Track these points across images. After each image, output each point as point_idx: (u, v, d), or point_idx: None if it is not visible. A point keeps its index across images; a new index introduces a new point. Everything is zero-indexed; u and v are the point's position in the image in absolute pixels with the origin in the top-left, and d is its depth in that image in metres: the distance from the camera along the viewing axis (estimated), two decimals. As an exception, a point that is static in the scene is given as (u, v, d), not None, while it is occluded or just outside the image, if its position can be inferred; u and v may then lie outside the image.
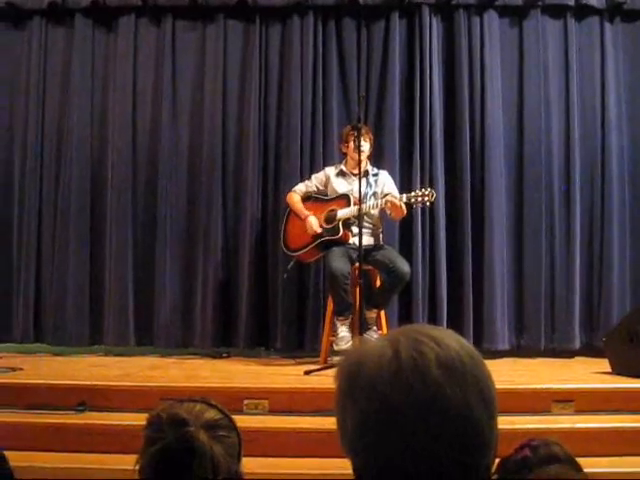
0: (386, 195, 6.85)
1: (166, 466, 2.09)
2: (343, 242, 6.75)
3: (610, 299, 7.65)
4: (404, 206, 6.60)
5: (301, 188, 7.21)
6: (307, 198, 7.14)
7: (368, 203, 6.73)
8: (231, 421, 2.22)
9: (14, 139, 8.00)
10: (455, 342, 1.36)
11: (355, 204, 6.44)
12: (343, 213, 6.77)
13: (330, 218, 6.84)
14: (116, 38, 8.04)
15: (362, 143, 6.62)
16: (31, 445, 4.87)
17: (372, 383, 1.32)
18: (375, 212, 6.86)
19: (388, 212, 6.83)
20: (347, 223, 6.77)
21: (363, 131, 6.62)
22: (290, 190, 7.26)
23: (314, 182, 7.19)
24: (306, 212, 6.99)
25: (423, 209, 7.23)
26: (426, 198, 6.55)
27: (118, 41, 8.03)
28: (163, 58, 7.94)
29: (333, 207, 6.87)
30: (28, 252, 7.85)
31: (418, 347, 1.32)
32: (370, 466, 1.33)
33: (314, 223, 6.88)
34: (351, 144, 6.85)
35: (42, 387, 5.55)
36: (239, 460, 2.21)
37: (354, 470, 1.37)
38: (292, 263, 7.15)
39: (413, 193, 6.68)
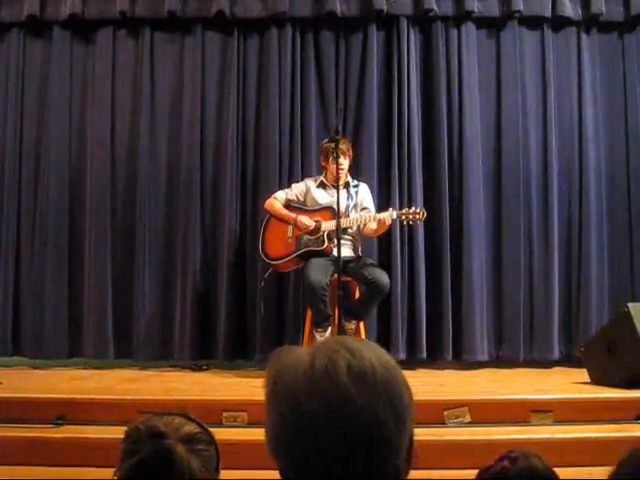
0: (363, 209, 6.89)
1: (143, 478, 2.08)
2: (326, 254, 6.75)
3: (588, 309, 7.68)
4: (391, 224, 6.65)
5: (281, 195, 7.18)
6: (287, 206, 7.12)
7: (351, 215, 6.75)
8: (209, 435, 2.22)
9: (-8, 151, 7.98)
10: (371, 353, 1.42)
11: (341, 217, 6.42)
12: (328, 225, 6.76)
13: (314, 229, 6.83)
14: (94, 50, 8.03)
15: (342, 160, 6.63)
16: (9, 459, 4.85)
17: (289, 388, 1.42)
18: (355, 225, 6.87)
19: (361, 227, 6.84)
20: (331, 236, 6.76)
21: (343, 147, 6.63)
22: (269, 196, 7.25)
23: (294, 191, 7.17)
24: (293, 215, 6.98)
25: (405, 226, 7.23)
26: (417, 216, 6.58)
27: (96, 53, 8.01)
28: (141, 70, 7.94)
29: (317, 218, 6.86)
30: (6, 264, 7.81)
31: (332, 356, 1.39)
32: (289, 468, 1.43)
33: (307, 219, 6.87)
34: (331, 159, 6.85)
35: (20, 401, 5.52)
36: (217, 475, 2.20)
37: (279, 471, 1.47)
38: (270, 271, 7.14)
39: (404, 210, 6.70)
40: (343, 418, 1.36)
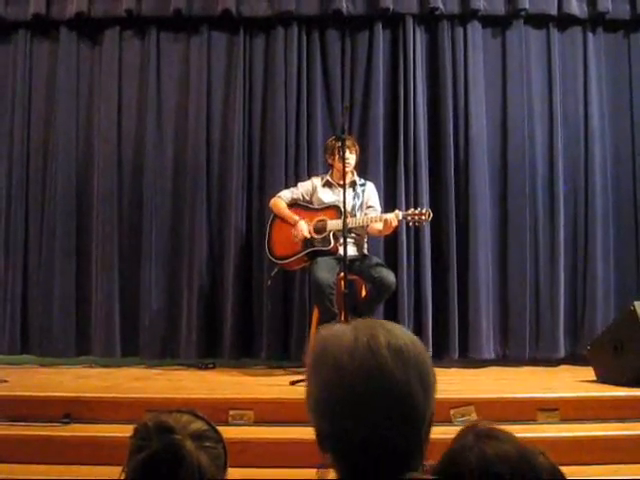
0: (368, 207, 6.89)
1: (152, 474, 2.08)
2: (332, 253, 6.75)
3: (594, 307, 7.68)
4: (398, 224, 6.64)
5: (286, 194, 7.19)
6: (292, 205, 7.13)
7: (357, 214, 6.75)
8: (217, 433, 2.22)
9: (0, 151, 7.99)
10: (405, 334, 1.63)
11: (347, 216, 6.41)
12: (334, 224, 6.76)
13: (320, 228, 6.84)
14: (101, 50, 8.04)
15: (347, 155, 6.62)
16: (16, 457, 4.86)
17: (334, 357, 1.58)
18: (361, 225, 6.87)
19: (365, 227, 6.84)
20: (337, 235, 6.76)
21: (349, 143, 6.63)
22: (274, 195, 7.26)
23: (300, 190, 7.18)
24: (295, 217, 6.98)
25: (410, 227, 7.21)
26: (423, 217, 6.56)
27: (103, 53, 8.03)
28: (148, 69, 7.95)
29: (322, 217, 6.87)
30: (15, 263, 7.84)
31: (373, 332, 1.59)
32: (327, 430, 1.60)
33: (305, 228, 6.88)
34: (337, 155, 6.86)
35: (27, 399, 5.53)
36: (224, 472, 2.21)
37: (316, 435, 1.65)
38: (276, 270, 7.14)
39: (410, 211, 6.68)
40: (381, 386, 1.53)
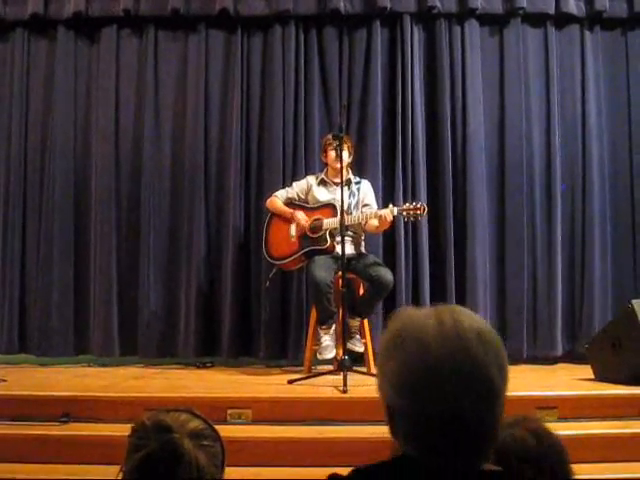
0: (365, 205, 6.87)
1: (150, 472, 2.09)
2: (329, 252, 6.76)
3: (592, 305, 7.69)
4: (393, 220, 6.62)
5: (282, 193, 7.19)
6: (288, 204, 7.12)
7: (353, 212, 6.75)
8: (215, 432, 2.23)
9: (-3, 150, 8.00)
10: (482, 319, 1.68)
11: (343, 214, 6.40)
12: (329, 223, 6.75)
13: (316, 227, 6.84)
14: (98, 49, 8.04)
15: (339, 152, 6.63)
16: (15, 456, 4.86)
17: (419, 338, 1.61)
18: (357, 222, 6.87)
19: (363, 224, 6.83)
20: (333, 233, 6.76)
21: (343, 140, 6.61)
22: (270, 195, 7.26)
23: (295, 189, 7.18)
24: (290, 209, 6.99)
25: (407, 222, 7.21)
26: (418, 212, 6.53)
27: (100, 52, 8.03)
28: (145, 68, 7.95)
29: (318, 216, 6.87)
30: (12, 263, 7.84)
31: (457, 316, 1.64)
32: (405, 409, 1.62)
33: (302, 217, 6.88)
34: (330, 153, 6.88)
35: (25, 398, 5.53)
36: (222, 470, 2.21)
37: (390, 413, 1.67)
38: (274, 271, 7.14)
39: (405, 206, 6.62)
40: (464, 367, 1.58)
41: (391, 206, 6.62)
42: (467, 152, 7.74)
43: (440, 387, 1.57)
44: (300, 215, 6.92)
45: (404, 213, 6.55)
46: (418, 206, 6.54)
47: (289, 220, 6.99)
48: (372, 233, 7.06)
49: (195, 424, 2.18)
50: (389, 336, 1.69)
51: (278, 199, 7.15)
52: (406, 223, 7.47)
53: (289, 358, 7.57)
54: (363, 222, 6.78)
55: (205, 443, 2.16)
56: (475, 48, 7.89)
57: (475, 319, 1.66)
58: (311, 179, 7.19)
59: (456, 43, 7.87)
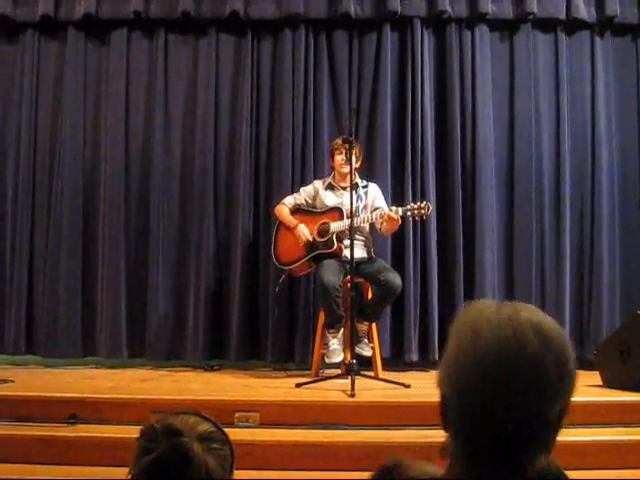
0: (376, 209, 6.86)
1: (160, 475, 2.08)
2: (336, 255, 6.75)
3: (600, 312, 7.67)
4: (400, 220, 6.60)
5: (289, 201, 7.20)
6: (296, 210, 7.14)
7: (360, 216, 6.74)
8: (224, 435, 2.22)
9: (7, 152, 8.00)
10: (551, 320, 1.62)
11: (348, 217, 6.41)
12: (336, 226, 6.76)
13: (323, 231, 6.84)
14: (108, 51, 8.06)
15: (344, 157, 6.63)
16: (22, 457, 4.87)
17: (472, 323, 1.58)
18: (366, 225, 6.87)
19: (378, 226, 6.84)
20: (340, 236, 6.77)
21: (353, 144, 6.60)
22: (278, 203, 7.26)
23: (303, 195, 7.19)
24: (295, 221, 6.99)
25: (414, 221, 7.19)
26: (422, 211, 6.53)
27: (110, 54, 8.04)
28: (155, 71, 7.96)
29: (325, 220, 6.87)
30: (20, 264, 7.85)
31: (517, 307, 1.60)
32: (453, 399, 1.57)
33: (305, 231, 6.89)
34: (337, 157, 6.90)
35: (33, 399, 5.53)
36: (231, 474, 2.21)
37: (443, 406, 1.61)
38: (283, 277, 7.14)
39: (409, 206, 6.63)
40: (515, 357, 1.51)
41: (394, 207, 6.63)
42: (476, 157, 7.74)
43: (484, 376, 1.51)
44: (302, 231, 6.91)
45: (409, 213, 6.55)
46: (422, 205, 6.54)
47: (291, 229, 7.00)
48: (385, 234, 7.05)
49: (204, 427, 2.18)
50: (452, 326, 1.65)
51: (285, 207, 7.15)
52: (414, 228, 7.47)
53: (297, 361, 7.57)
54: (378, 224, 6.78)
55: (214, 446, 2.15)
56: (485, 53, 7.89)
57: (537, 314, 1.60)
58: (318, 184, 7.19)
59: (466, 48, 7.86)
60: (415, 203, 6.68)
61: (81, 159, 7.93)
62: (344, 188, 6.48)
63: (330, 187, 7.09)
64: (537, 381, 1.52)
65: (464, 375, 1.54)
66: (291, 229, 6.98)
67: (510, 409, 1.50)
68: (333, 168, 7.10)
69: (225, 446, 2.20)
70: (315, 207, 7.08)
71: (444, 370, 1.60)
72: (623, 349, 6.08)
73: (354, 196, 6.64)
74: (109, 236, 7.81)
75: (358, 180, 7.02)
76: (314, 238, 6.85)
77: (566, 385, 1.56)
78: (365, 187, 7.03)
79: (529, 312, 1.59)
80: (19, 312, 7.79)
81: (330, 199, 7.02)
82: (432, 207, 6.67)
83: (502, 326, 1.54)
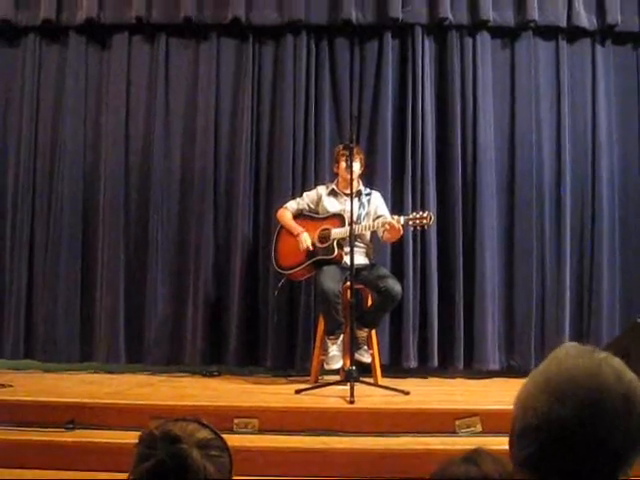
0: (378, 217, 6.85)
1: None
2: (336, 262, 6.75)
3: (600, 319, 7.67)
4: (402, 229, 6.60)
5: (292, 205, 7.20)
6: (298, 215, 7.14)
7: (362, 223, 6.74)
8: (223, 442, 2.22)
9: (7, 156, 7.98)
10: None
11: (349, 224, 6.41)
12: (337, 233, 6.76)
13: (324, 237, 6.84)
14: (110, 56, 8.05)
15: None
16: (20, 462, 4.87)
17: (571, 375, 1.58)
18: (367, 233, 6.87)
19: (381, 234, 6.84)
20: (341, 243, 6.77)
21: (354, 151, 6.60)
22: (281, 206, 7.26)
23: (306, 200, 7.19)
24: (299, 228, 6.99)
25: (415, 230, 7.19)
26: (424, 221, 6.53)
27: (112, 59, 8.03)
28: (156, 76, 7.95)
29: (326, 226, 6.87)
30: (19, 268, 7.83)
31: (619, 367, 1.67)
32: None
33: (307, 240, 6.88)
34: (341, 164, 6.88)
35: (32, 404, 5.54)
36: (229, 482, 2.20)
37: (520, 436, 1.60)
38: (283, 281, 7.15)
39: (411, 215, 6.64)
40: (600, 418, 1.52)
41: (396, 217, 6.63)
42: (477, 164, 7.73)
43: (573, 424, 1.52)
44: (304, 239, 6.91)
45: (410, 222, 6.55)
46: (425, 215, 6.54)
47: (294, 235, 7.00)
48: (387, 242, 7.05)
49: (203, 434, 2.17)
50: (541, 373, 1.64)
51: (288, 211, 7.15)
52: (415, 235, 7.47)
53: (296, 368, 7.55)
54: (380, 232, 6.78)
55: (213, 453, 2.15)
56: (486, 60, 7.88)
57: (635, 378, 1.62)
58: (321, 189, 7.19)
59: (467, 55, 7.86)
60: (417, 213, 6.69)
61: (81, 163, 7.92)
62: (347, 195, 6.47)
63: (333, 193, 7.09)
64: (613, 444, 1.53)
65: (558, 418, 1.54)
66: (294, 235, 6.98)
67: (587, 465, 1.52)
68: (337, 174, 7.11)
69: (224, 453, 2.19)
70: (317, 212, 7.09)
71: (537, 418, 1.58)
72: (623, 357, 6.06)
73: (357, 203, 6.66)
74: (108, 241, 7.80)
75: (362, 187, 7.03)
76: (314, 244, 6.85)
77: (632, 455, 1.57)
78: (368, 195, 7.04)
79: (628, 373, 1.66)
80: (18, 317, 7.77)
81: (333, 205, 7.02)
82: (434, 217, 6.67)
83: (605, 386, 1.57)
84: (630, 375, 1.63)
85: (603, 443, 1.51)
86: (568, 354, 1.62)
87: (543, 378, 1.58)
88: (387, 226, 6.57)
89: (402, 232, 6.63)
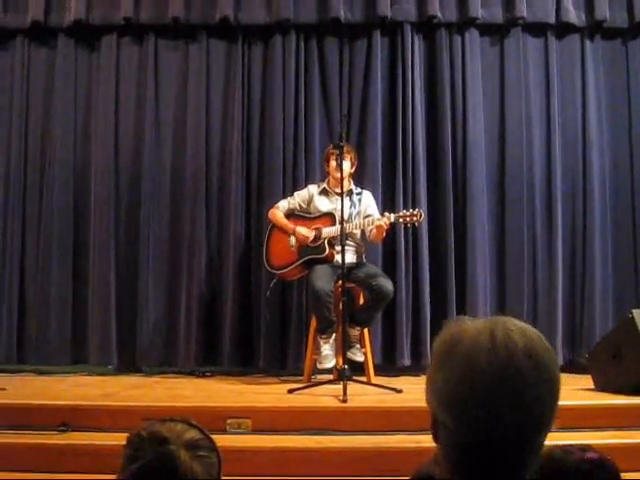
0: (367, 216, 6.85)
1: None
2: (327, 261, 6.75)
3: (592, 315, 7.68)
4: (389, 227, 6.60)
5: (284, 204, 7.19)
6: (289, 215, 7.13)
7: (353, 222, 6.73)
8: (211, 442, 2.21)
9: (-3, 156, 7.99)
10: (540, 339, 1.62)
11: (340, 223, 6.40)
12: (328, 232, 6.76)
13: (315, 236, 6.83)
14: (99, 57, 8.04)
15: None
16: (13, 465, 4.84)
17: (470, 352, 1.57)
18: (358, 231, 6.86)
19: (368, 233, 6.83)
20: (332, 242, 6.76)
21: (344, 150, 6.59)
22: (272, 206, 7.25)
23: (297, 199, 7.18)
24: (291, 225, 6.98)
25: (406, 228, 7.18)
26: (414, 218, 6.53)
27: (101, 60, 8.03)
28: (146, 77, 7.95)
29: (318, 225, 6.86)
30: (11, 272, 7.82)
31: (510, 334, 1.58)
32: (450, 423, 1.58)
33: (304, 231, 6.87)
34: (332, 163, 6.87)
35: (24, 407, 5.51)
36: (217, 482, 2.19)
37: (434, 422, 1.64)
38: (275, 281, 7.15)
39: (401, 213, 6.65)
40: (514, 386, 1.53)
41: (386, 213, 6.62)
42: (467, 161, 7.74)
43: (484, 409, 1.53)
44: (301, 232, 6.90)
45: (401, 220, 6.55)
46: (415, 213, 6.54)
47: (289, 233, 6.99)
48: (373, 242, 7.04)
49: (191, 434, 2.16)
50: (440, 348, 1.65)
51: (279, 211, 7.14)
52: (406, 233, 7.47)
53: (289, 367, 7.55)
54: (367, 231, 6.77)
55: (201, 454, 2.13)
56: (475, 57, 7.90)
57: (530, 338, 1.60)
58: (313, 188, 7.18)
59: (456, 52, 7.87)
60: (408, 210, 6.69)
61: (71, 165, 7.91)
62: (339, 194, 6.46)
63: (324, 192, 7.09)
64: (536, 407, 1.56)
65: (461, 404, 1.56)
66: (289, 233, 6.97)
67: (508, 439, 1.55)
68: (328, 173, 7.10)
69: (212, 453, 2.18)
70: (309, 212, 7.08)
71: (438, 395, 1.61)
72: (615, 352, 6.08)
73: (348, 202, 6.66)
74: (99, 243, 7.79)
75: (352, 186, 7.02)
76: (306, 243, 6.84)
77: (556, 410, 1.61)
78: (359, 194, 7.03)
79: (522, 336, 1.59)
80: (10, 321, 7.76)
81: (324, 204, 7.02)
82: (424, 214, 6.68)
83: (501, 357, 1.55)
84: (529, 331, 1.62)
85: (518, 401, 1.53)
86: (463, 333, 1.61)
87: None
88: (376, 225, 6.56)
89: (386, 228, 6.59)
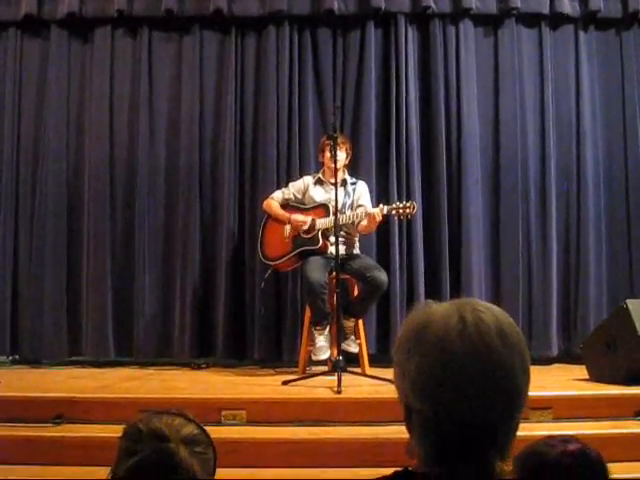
0: (359, 206, 6.85)
1: (144, 478, 2.07)
2: (321, 252, 6.75)
3: (587, 306, 7.68)
4: (382, 219, 6.60)
5: (278, 195, 7.18)
6: (284, 206, 7.12)
7: (347, 213, 6.73)
8: (208, 437, 2.21)
9: (-11, 150, 7.97)
10: (506, 317, 1.63)
11: (334, 214, 6.40)
12: (322, 223, 6.76)
13: (309, 227, 6.83)
14: (92, 49, 8.02)
15: (337, 153, 6.59)
16: (8, 458, 4.84)
17: (440, 335, 1.57)
18: (352, 223, 6.86)
19: (356, 225, 6.81)
20: (326, 233, 6.76)
21: (339, 141, 6.59)
22: (266, 197, 7.24)
23: (292, 190, 7.17)
24: (287, 214, 6.98)
25: (400, 220, 7.18)
26: (408, 210, 6.52)
27: (94, 52, 8.01)
28: (139, 69, 7.94)
29: (311, 216, 6.86)
30: (5, 264, 7.81)
31: (479, 314, 1.59)
32: (425, 408, 1.57)
33: (301, 217, 6.87)
34: (327, 153, 6.86)
35: (19, 400, 5.51)
36: (213, 475, 2.20)
37: (407, 412, 1.63)
38: (269, 272, 7.14)
39: (394, 205, 6.63)
40: (487, 365, 1.53)
41: (381, 205, 6.62)
42: (462, 152, 7.74)
43: (460, 391, 1.53)
44: (297, 220, 6.89)
45: (394, 212, 6.55)
46: (408, 204, 6.53)
47: (284, 222, 6.98)
48: (363, 233, 7.03)
49: (189, 429, 2.15)
50: (409, 334, 1.64)
51: (274, 201, 7.13)
52: (400, 224, 7.47)
53: (284, 359, 7.55)
54: (357, 222, 6.76)
55: (199, 450, 2.13)
56: (469, 48, 7.89)
57: (498, 317, 1.61)
58: (308, 179, 7.17)
59: (450, 43, 7.87)
60: (401, 202, 6.68)
61: (65, 158, 7.90)
62: (333, 184, 6.46)
63: (320, 182, 7.08)
64: (510, 391, 1.56)
65: (436, 390, 1.56)
66: (285, 222, 6.96)
67: (486, 420, 1.55)
68: (323, 164, 7.10)
69: (209, 448, 2.18)
70: (303, 203, 7.07)
71: (410, 383, 1.60)
72: (609, 342, 6.10)
73: (342, 192, 6.65)
74: (94, 236, 7.78)
75: (347, 177, 7.02)
76: (300, 235, 6.84)
77: (528, 381, 1.61)
78: (354, 184, 7.02)
79: (491, 317, 1.60)
80: (4, 314, 7.75)
81: (319, 194, 7.01)
82: (418, 205, 6.68)
83: (472, 337, 1.55)
84: (496, 310, 1.63)
85: (492, 380, 1.53)
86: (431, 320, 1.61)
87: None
88: (366, 216, 6.56)
89: (379, 220, 6.59)
